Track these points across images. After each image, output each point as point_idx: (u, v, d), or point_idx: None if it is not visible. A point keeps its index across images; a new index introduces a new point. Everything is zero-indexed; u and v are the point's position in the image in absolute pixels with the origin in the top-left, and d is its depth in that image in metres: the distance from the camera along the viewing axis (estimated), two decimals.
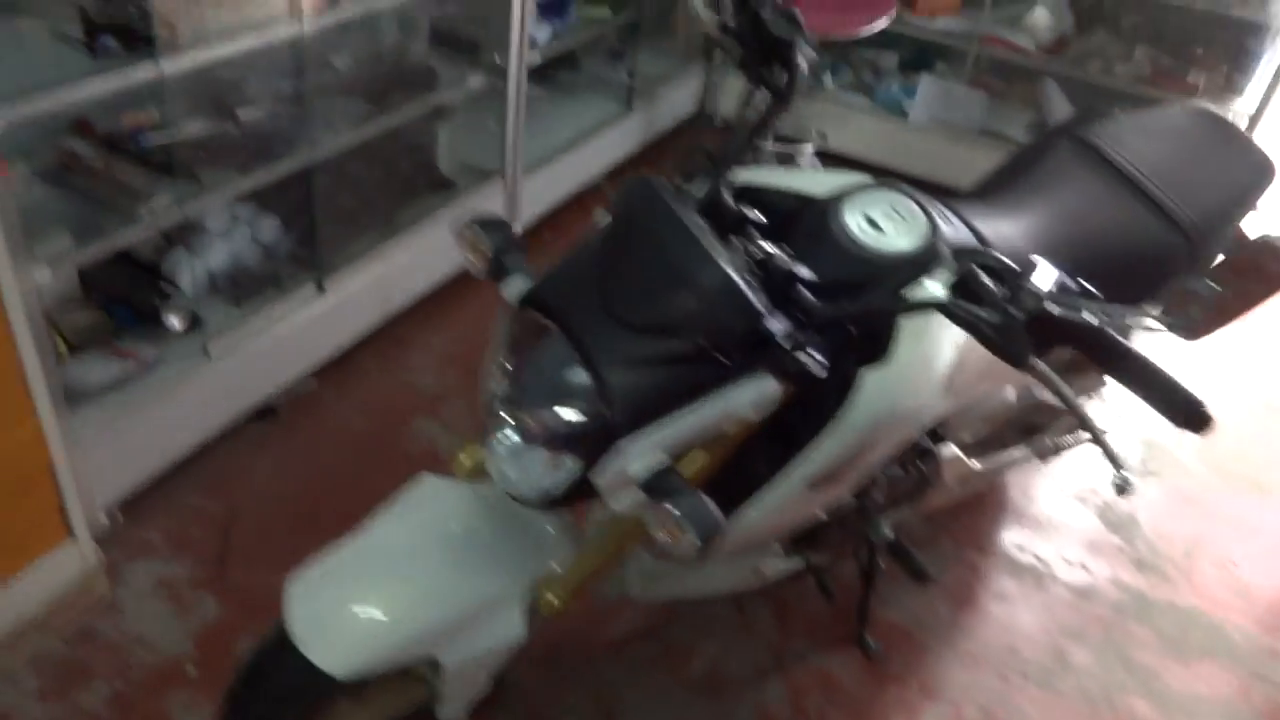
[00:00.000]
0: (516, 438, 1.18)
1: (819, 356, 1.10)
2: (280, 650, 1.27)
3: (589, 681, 1.83)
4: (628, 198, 1.13)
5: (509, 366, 1.19)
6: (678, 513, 1.04)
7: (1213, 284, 0.89)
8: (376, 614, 1.28)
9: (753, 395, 1.10)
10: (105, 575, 1.77)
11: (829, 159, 3.52)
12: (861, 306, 1.07)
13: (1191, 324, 0.90)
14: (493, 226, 1.27)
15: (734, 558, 1.63)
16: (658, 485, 1.08)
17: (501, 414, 1.19)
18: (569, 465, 1.14)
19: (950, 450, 1.70)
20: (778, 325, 1.08)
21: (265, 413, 2.23)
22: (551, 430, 1.13)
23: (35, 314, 1.54)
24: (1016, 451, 1.87)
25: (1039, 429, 1.98)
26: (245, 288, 2.13)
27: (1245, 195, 1.74)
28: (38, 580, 1.64)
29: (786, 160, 3.22)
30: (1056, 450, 1.90)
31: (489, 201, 2.63)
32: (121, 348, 1.95)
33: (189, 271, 2.01)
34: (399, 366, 2.48)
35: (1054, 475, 2.43)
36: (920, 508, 1.82)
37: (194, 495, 2.03)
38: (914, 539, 2.16)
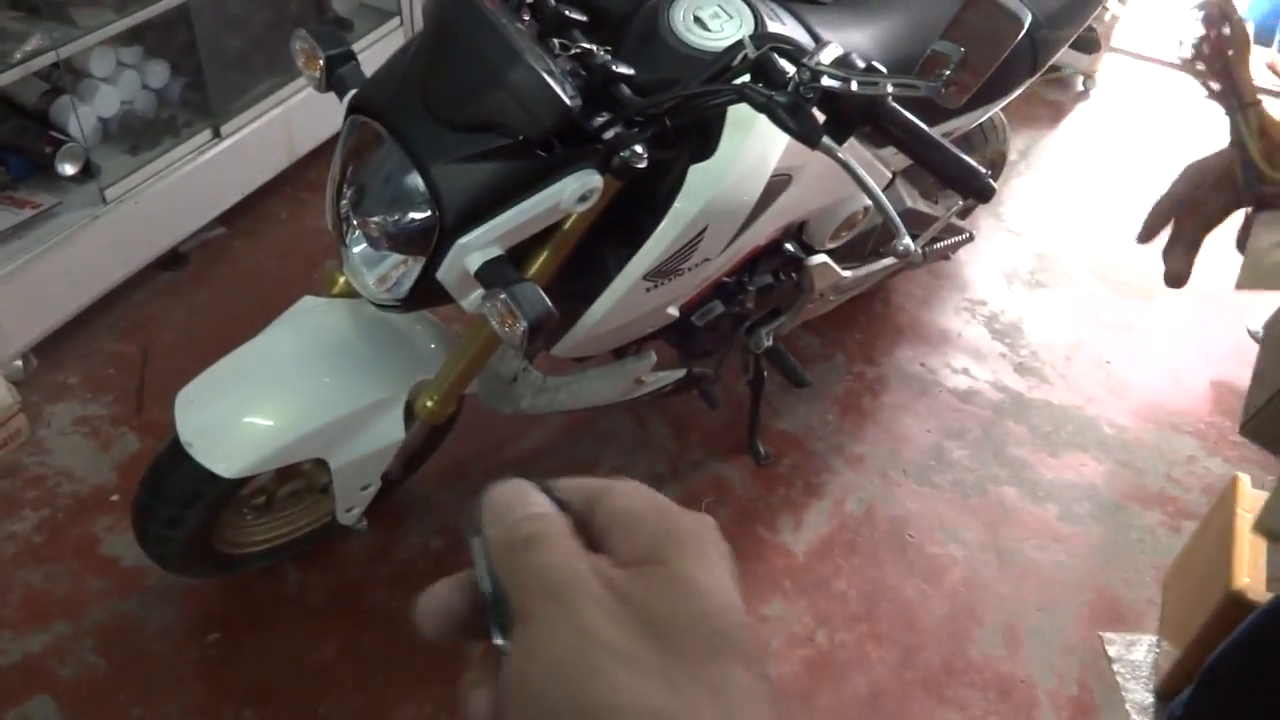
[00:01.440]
0: (364, 244, 1.26)
1: (639, 150, 1.17)
2: (174, 457, 1.38)
3: None
4: None
5: (351, 174, 1.25)
6: (506, 298, 1.12)
7: (959, 46, 0.95)
8: (260, 419, 1.38)
9: (576, 187, 1.17)
10: (24, 415, 1.85)
11: None
12: (670, 98, 1.13)
13: (943, 84, 0.97)
14: (325, 35, 1.30)
15: (613, 368, 1.74)
16: (491, 275, 1.15)
17: (350, 222, 1.26)
18: (411, 265, 1.22)
19: (819, 258, 1.79)
20: (594, 119, 1.14)
21: (175, 260, 2.28)
22: (392, 233, 1.20)
23: None
24: (887, 259, 1.96)
25: (910, 237, 2.07)
26: (140, 135, 2.14)
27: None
28: None
29: None
30: (926, 257, 2.00)
31: (387, 41, 2.61)
32: (18, 197, 1.98)
33: (78, 119, 2.02)
34: (310, 212, 2.52)
35: (944, 289, 2.54)
36: (797, 318, 1.92)
37: (108, 340, 2.11)
38: (807, 356, 2.28)
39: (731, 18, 1.32)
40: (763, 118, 1.30)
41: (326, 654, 1.66)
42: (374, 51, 2.56)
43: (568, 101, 1.09)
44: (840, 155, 1.12)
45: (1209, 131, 1.08)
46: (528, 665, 0.31)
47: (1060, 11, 1.70)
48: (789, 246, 1.73)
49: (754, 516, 1.99)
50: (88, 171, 2.03)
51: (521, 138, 1.13)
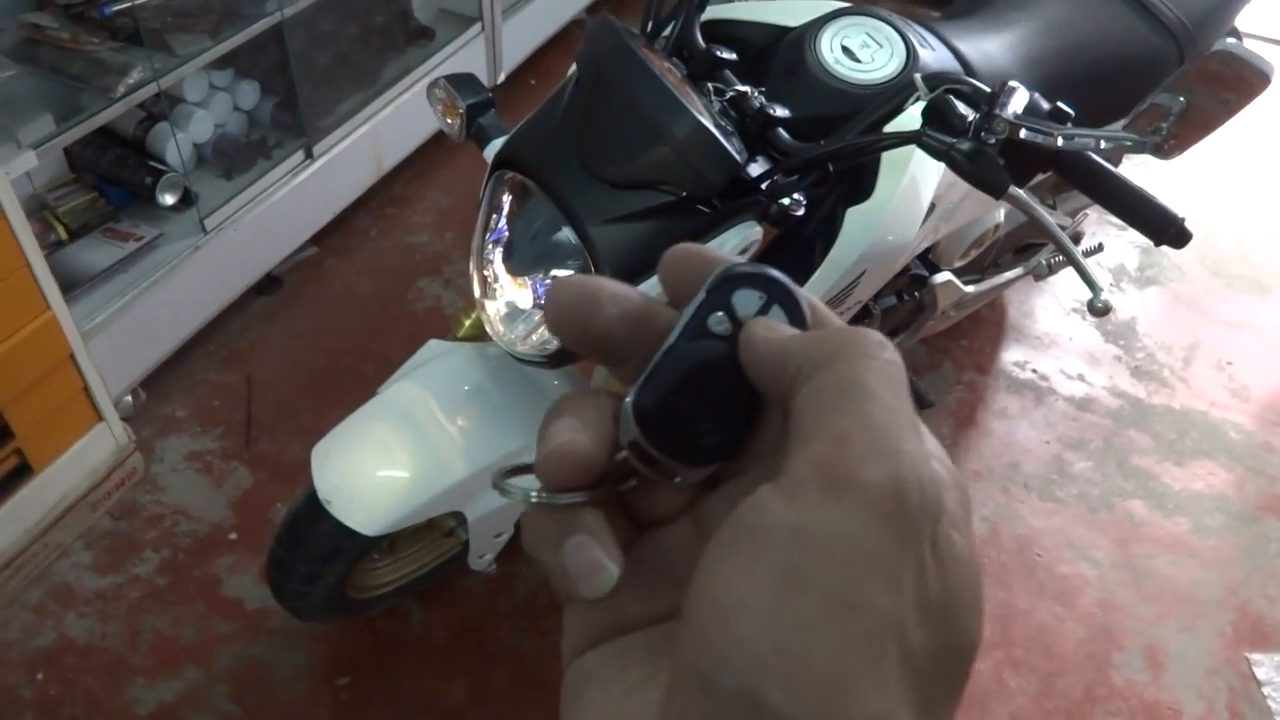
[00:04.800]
0: (511, 300, 1.21)
1: (799, 197, 1.11)
2: (312, 514, 1.35)
3: None
4: (592, 45, 1.10)
5: (497, 229, 1.20)
6: None
7: (1180, 98, 0.87)
8: (399, 472, 1.34)
9: (737, 241, 1.11)
10: (139, 453, 1.84)
11: None
12: (837, 145, 1.06)
13: (1161, 140, 0.89)
14: (463, 82, 1.25)
15: None
16: None
17: (495, 276, 1.21)
18: None
19: (944, 276, 1.72)
20: (756, 171, 1.08)
21: (270, 284, 2.26)
22: (543, 290, 1.15)
23: (28, 202, 1.54)
24: (1010, 272, 1.88)
25: (1032, 248, 1.99)
26: (233, 158, 2.11)
27: None
28: (76, 463, 1.72)
29: None
30: (1051, 269, 1.91)
31: (470, 48, 2.55)
32: (120, 229, 1.96)
33: (174, 146, 1.99)
34: (398, 227, 2.49)
35: (1052, 291, 2.45)
36: (918, 335, 1.85)
37: (211, 370, 2.09)
38: (914, 365, 2.21)
39: (881, 46, 1.25)
40: (918, 154, 1.23)
41: (456, 695, 1.64)
42: (458, 59, 2.51)
43: (737, 158, 1.03)
44: (1029, 205, 1.04)
45: None
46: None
47: (1208, 14, 1.60)
48: (915, 266, 1.66)
49: None
50: (186, 200, 2.01)
51: (684, 194, 1.07)
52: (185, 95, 2.05)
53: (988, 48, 1.44)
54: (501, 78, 2.74)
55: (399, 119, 2.39)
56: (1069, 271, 2.39)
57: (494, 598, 1.78)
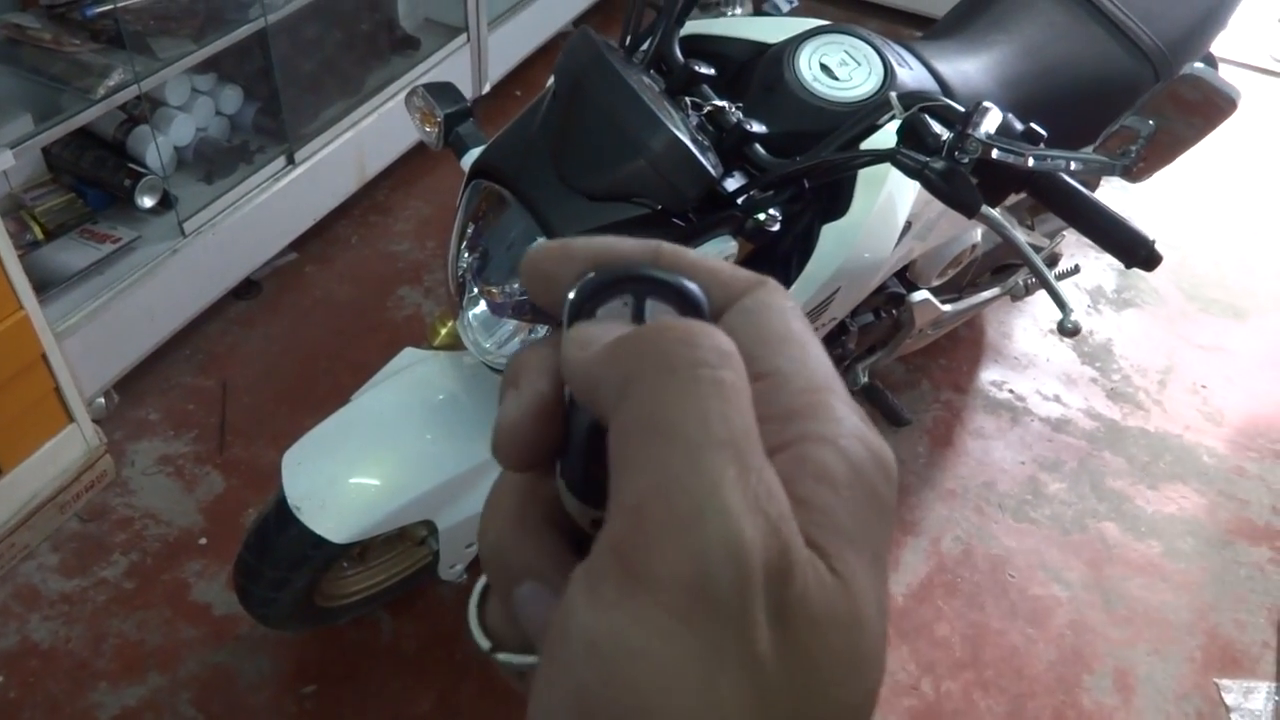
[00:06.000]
0: (486, 309, 1.21)
1: (774, 213, 1.11)
2: (281, 520, 1.34)
3: None
4: (570, 57, 1.11)
5: (473, 238, 1.20)
6: None
7: (1150, 121, 0.88)
8: (369, 481, 1.34)
9: (713, 255, 1.11)
10: (110, 455, 1.83)
11: None
12: (812, 161, 1.07)
13: (1132, 162, 0.90)
14: (442, 91, 1.25)
15: None
16: None
17: (470, 287, 1.21)
18: (540, 333, 1.17)
19: (921, 294, 1.73)
20: (733, 185, 1.09)
21: (249, 288, 2.24)
22: (519, 301, 1.15)
23: (4, 201, 1.53)
24: (988, 292, 1.89)
25: (1010, 268, 2.00)
26: (214, 163, 2.10)
27: (1214, 15, 1.69)
28: (46, 464, 1.70)
29: None
30: (1028, 290, 1.93)
31: (456, 59, 2.55)
32: (98, 230, 1.94)
33: (154, 148, 1.98)
34: (379, 234, 2.48)
35: (1030, 312, 2.46)
36: (895, 353, 1.85)
37: (186, 374, 2.08)
38: (892, 383, 2.22)
39: (860, 64, 1.26)
40: (894, 172, 1.24)
41: (423, 707, 1.63)
42: (443, 69, 2.51)
43: (712, 172, 1.04)
44: (1001, 224, 1.05)
45: None
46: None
47: (1184, 39, 1.62)
48: (892, 284, 1.67)
49: None
50: (165, 203, 2.00)
51: (659, 207, 1.07)
52: (167, 98, 2.04)
53: (965, 68, 1.46)
54: (487, 88, 2.75)
55: (382, 127, 2.39)
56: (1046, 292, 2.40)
57: (464, 608, 1.75)
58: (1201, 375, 2.36)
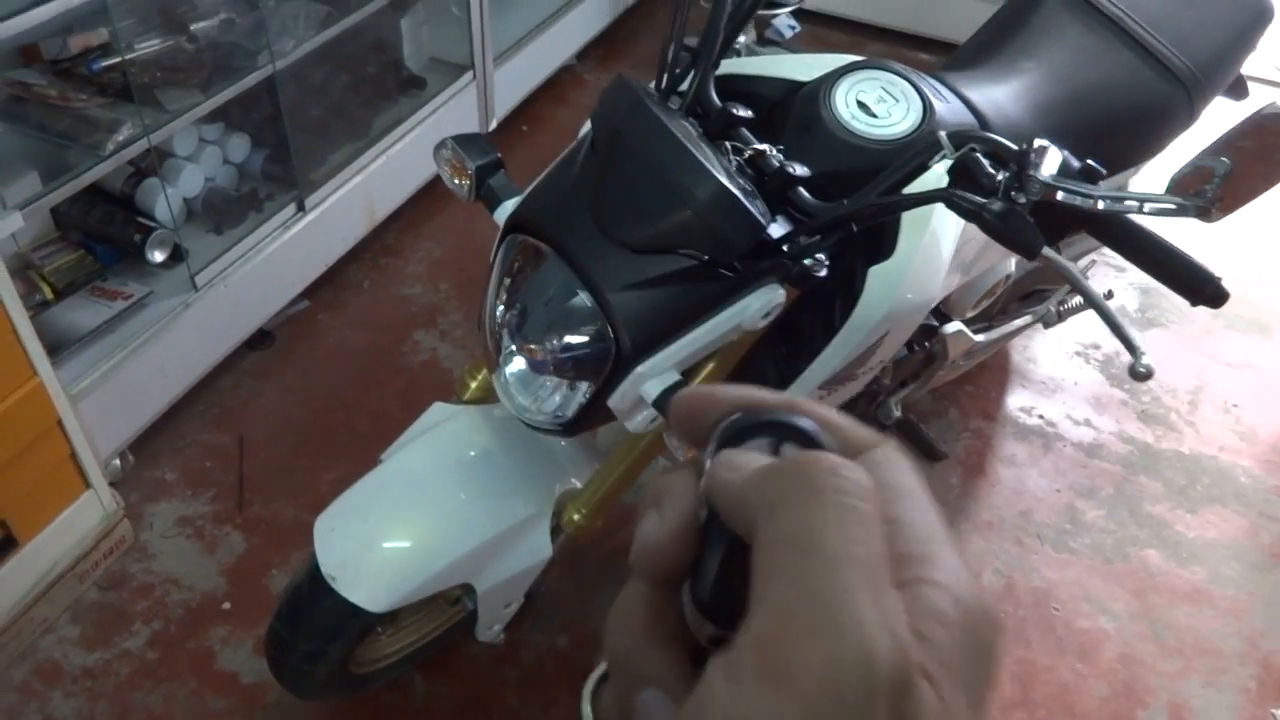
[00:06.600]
0: (525, 366, 1.17)
1: (821, 258, 1.07)
2: (315, 591, 1.29)
3: (617, 582, 1.87)
4: (609, 104, 1.07)
5: (509, 293, 1.16)
6: None
7: (1224, 159, 0.84)
8: (405, 546, 1.29)
9: (761, 305, 1.08)
10: (128, 520, 1.77)
11: (810, 17, 3.38)
12: (862, 204, 1.03)
13: (1207, 203, 0.86)
14: (470, 143, 1.21)
15: None
16: None
17: (508, 343, 1.17)
18: (582, 390, 1.12)
19: (954, 326, 1.69)
20: (778, 231, 1.05)
21: (261, 339, 2.20)
22: (560, 358, 1.11)
23: (12, 261, 1.49)
24: (1020, 320, 1.85)
25: (1039, 294, 1.96)
26: (224, 213, 2.06)
27: (1244, 37, 1.66)
28: (63, 533, 1.65)
29: (764, 25, 3.09)
30: (1060, 317, 1.89)
31: (462, 97, 2.53)
32: (108, 288, 1.90)
33: (164, 201, 1.94)
34: (391, 278, 2.44)
35: (1055, 335, 2.43)
36: (928, 385, 1.81)
37: (202, 430, 2.03)
38: (920, 412, 2.18)
39: (898, 101, 1.22)
40: (938, 209, 1.21)
41: None
42: (450, 107, 2.48)
43: (762, 221, 1.00)
44: (1064, 266, 1.01)
45: None
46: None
47: (1215, 61, 1.59)
48: (926, 316, 1.63)
49: None
50: (176, 256, 1.96)
51: (706, 258, 1.03)
52: (175, 149, 2.00)
53: (997, 97, 1.42)
54: (494, 125, 2.72)
55: (391, 169, 2.35)
56: (1075, 317, 2.37)
57: (499, 666, 1.71)
58: (1232, 394, 2.33)
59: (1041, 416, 2.25)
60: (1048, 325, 1.91)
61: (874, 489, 0.26)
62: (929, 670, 0.24)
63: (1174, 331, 2.47)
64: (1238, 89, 1.70)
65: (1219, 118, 1.67)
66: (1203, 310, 2.51)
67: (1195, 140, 1.67)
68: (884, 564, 0.25)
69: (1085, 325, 2.45)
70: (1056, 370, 2.36)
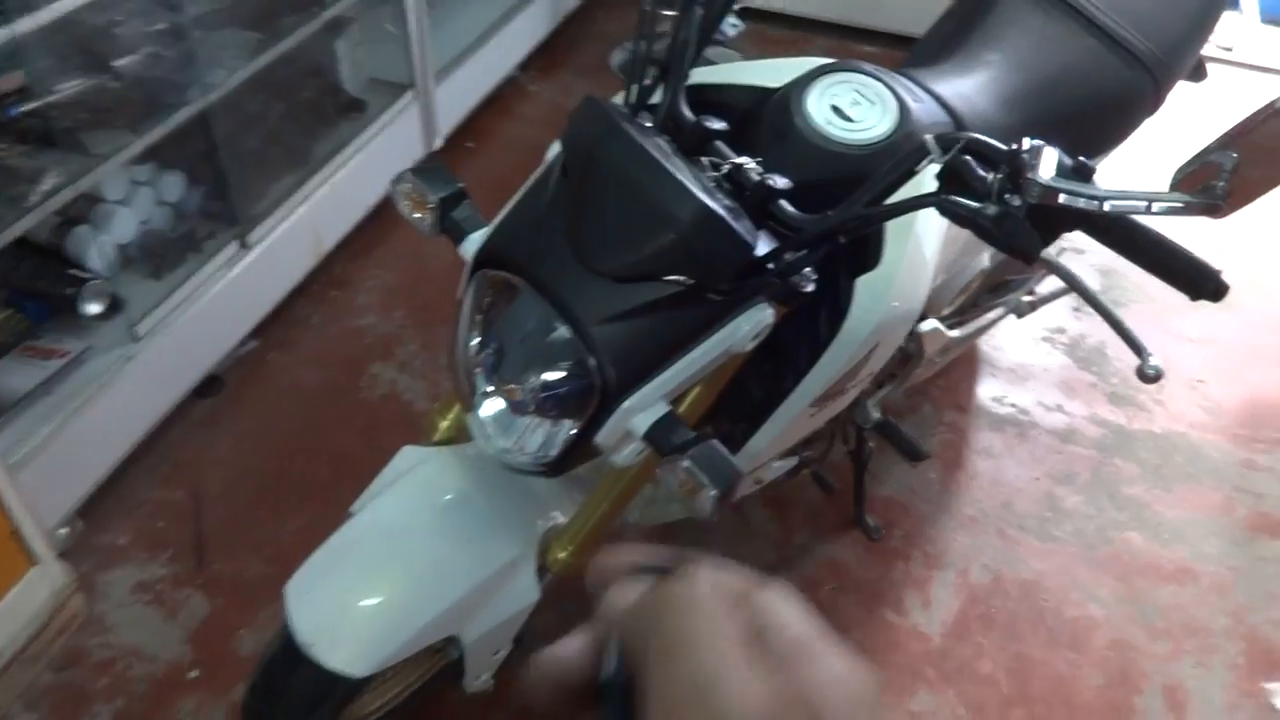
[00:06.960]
0: (504, 407, 1.10)
1: (809, 273, 1.03)
2: (290, 660, 1.20)
3: None
4: (579, 126, 1.01)
5: (482, 330, 1.10)
6: (693, 467, 0.97)
7: (1232, 154, 0.81)
8: (384, 603, 1.21)
9: (750, 326, 1.03)
10: (81, 592, 1.67)
11: (752, 14, 3.34)
12: (850, 215, 0.98)
13: (1217, 199, 0.83)
14: (431, 174, 1.14)
15: None
16: (664, 439, 1.01)
17: (483, 384, 1.11)
18: (565, 429, 1.06)
19: (929, 323, 1.66)
20: (764, 248, 1.00)
21: (210, 385, 2.10)
22: (542, 398, 1.05)
23: None
24: (993, 313, 1.84)
25: (1008, 284, 1.95)
26: (162, 256, 1.96)
27: (1204, 18, 1.66)
28: (10, 616, 1.54)
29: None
30: (1033, 307, 1.87)
31: (404, 117, 2.45)
32: (42, 346, 1.79)
33: (96, 249, 1.84)
34: (342, 310, 2.35)
35: (1020, 321, 2.42)
36: (905, 384, 1.78)
37: (154, 487, 1.92)
38: (895, 410, 2.15)
39: (873, 104, 1.18)
40: (922, 215, 1.17)
41: None
42: (392, 130, 2.40)
43: (750, 241, 0.95)
44: (1062, 269, 0.98)
45: None
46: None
47: (1178, 45, 1.58)
48: None
49: (879, 599, 1.85)
50: (113, 306, 1.85)
51: (691, 283, 0.98)
52: (104, 194, 1.90)
53: (965, 91, 1.39)
54: (439, 143, 2.64)
55: (336, 197, 2.27)
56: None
57: (487, 710, 1.64)
58: (1197, 370, 2.34)
59: (1014, 405, 2.24)
60: (1020, 315, 1.90)
61: (714, 595, 0.35)
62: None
63: (1136, 310, 2.48)
64: (1196, 71, 1.70)
65: (1178, 100, 1.68)
66: (1162, 287, 2.53)
67: (1158, 126, 1.68)
68: (741, 643, 0.33)
69: (1049, 310, 2.45)
70: (1024, 356, 2.35)
